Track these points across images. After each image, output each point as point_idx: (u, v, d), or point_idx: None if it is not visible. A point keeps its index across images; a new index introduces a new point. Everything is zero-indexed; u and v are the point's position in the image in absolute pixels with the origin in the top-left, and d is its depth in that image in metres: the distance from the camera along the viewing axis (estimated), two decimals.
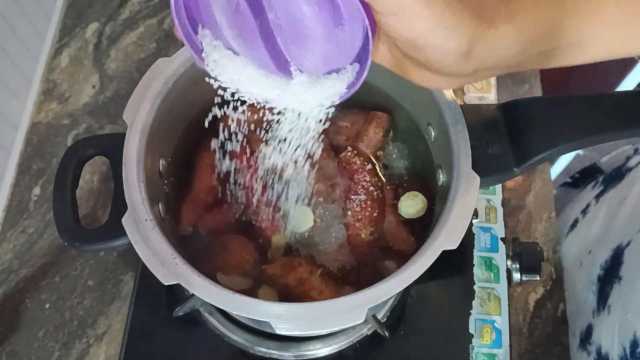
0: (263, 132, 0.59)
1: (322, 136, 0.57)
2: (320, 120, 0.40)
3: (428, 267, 0.43)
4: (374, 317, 0.55)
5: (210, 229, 0.53)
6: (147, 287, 0.63)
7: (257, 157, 0.55)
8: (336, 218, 0.53)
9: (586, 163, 0.80)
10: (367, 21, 0.31)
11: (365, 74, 0.34)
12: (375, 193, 0.53)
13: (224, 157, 0.52)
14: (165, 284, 0.42)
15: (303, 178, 0.55)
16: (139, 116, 0.48)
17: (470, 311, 0.61)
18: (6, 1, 0.73)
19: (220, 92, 0.40)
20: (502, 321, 0.61)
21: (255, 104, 0.39)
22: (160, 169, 0.51)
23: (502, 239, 0.64)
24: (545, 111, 0.53)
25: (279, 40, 0.35)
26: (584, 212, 0.68)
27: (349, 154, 0.54)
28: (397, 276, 0.43)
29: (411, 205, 0.53)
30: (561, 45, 0.35)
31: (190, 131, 0.55)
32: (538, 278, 0.61)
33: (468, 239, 0.64)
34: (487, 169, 0.50)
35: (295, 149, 0.45)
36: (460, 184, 0.46)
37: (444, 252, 0.44)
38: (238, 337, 0.59)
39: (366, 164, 0.54)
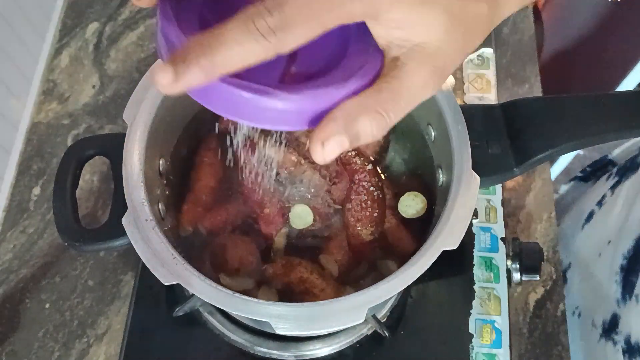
0: (263, 131, 0.59)
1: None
2: None
3: (428, 267, 0.43)
4: (374, 317, 0.55)
5: (210, 229, 0.53)
6: (147, 287, 0.63)
7: (257, 156, 0.55)
8: (335, 214, 0.54)
9: (586, 162, 0.80)
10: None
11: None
12: (375, 193, 0.53)
13: (224, 157, 0.52)
14: (165, 284, 0.42)
15: (303, 176, 0.55)
16: (139, 116, 0.48)
17: (470, 311, 0.61)
18: (6, 1, 0.73)
19: None
20: (502, 321, 0.61)
21: None
22: (160, 169, 0.51)
23: (502, 239, 0.64)
24: (546, 111, 0.53)
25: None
26: (600, 203, 0.68)
27: (349, 154, 0.54)
28: (397, 276, 0.43)
29: (411, 205, 0.53)
30: None
31: (190, 131, 0.55)
32: (538, 278, 0.61)
33: (468, 239, 0.64)
34: (487, 169, 0.50)
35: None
36: (460, 184, 0.46)
37: (444, 252, 0.44)
38: (238, 337, 0.59)
39: (366, 164, 0.54)
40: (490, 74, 0.76)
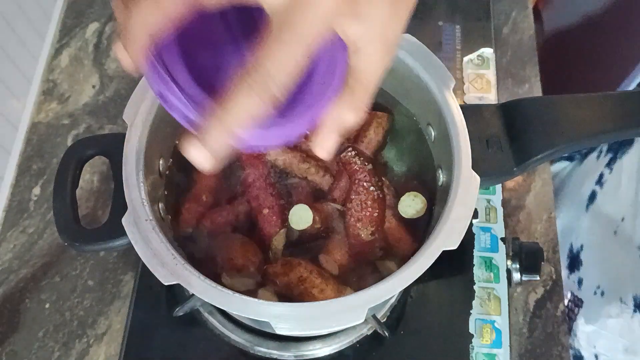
0: None
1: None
2: None
3: (428, 267, 0.43)
4: (374, 317, 0.55)
5: (210, 229, 0.52)
6: (147, 287, 0.63)
7: (257, 156, 0.55)
8: (335, 216, 0.53)
9: None
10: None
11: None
12: (375, 193, 0.53)
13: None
14: (165, 284, 0.42)
15: (303, 176, 0.55)
16: (139, 116, 0.48)
17: (470, 311, 0.61)
18: (6, 1, 0.73)
19: None
20: (502, 321, 0.61)
21: None
22: (160, 169, 0.51)
23: (502, 239, 0.64)
24: (545, 111, 0.53)
25: None
26: (600, 183, 0.68)
27: (349, 154, 0.54)
28: (397, 276, 0.43)
29: (411, 205, 0.53)
30: None
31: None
32: (538, 278, 0.61)
33: (468, 239, 0.64)
34: (487, 169, 0.50)
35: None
36: (460, 184, 0.46)
37: (444, 252, 0.44)
38: (238, 337, 0.59)
39: (366, 164, 0.54)
40: (490, 74, 0.76)
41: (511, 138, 0.52)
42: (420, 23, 0.79)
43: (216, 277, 0.45)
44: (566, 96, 0.54)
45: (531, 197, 0.70)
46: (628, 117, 0.51)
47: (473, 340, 0.60)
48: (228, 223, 0.53)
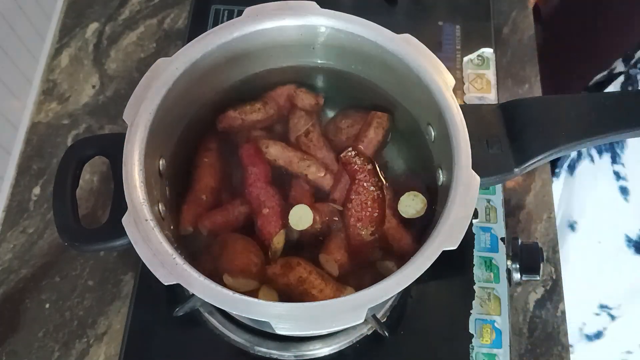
0: (264, 130, 0.59)
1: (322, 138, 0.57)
2: None
3: (428, 267, 0.43)
4: (374, 317, 0.55)
5: (210, 229, 0.52)
6: (147, 287, 0.63)
7: (257, 155, 0.55)
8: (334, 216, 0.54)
9: None
10: None
11: None
12: (375, 193, 0.53)
13: (225, 156, 0.52)
14: (165, 284, 0.42)
15: (303, 176, 0.55)
16: (139, 116, 0.48)
17: (470, 311, 0.61)
18: (6, 1, 0.73)
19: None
20: (502, 321, 0.61)
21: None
22: (160, 169, 0.51)
23: (502, 239, 0.64)
24: (545, 111, 0.53)
25: None
26: (621, 177, 0.69)
27: (349, 154, 0.54)
28: (397, 276, 0.43)
29: (411, 205, 0.53)
30: None
31: (190, 131, 0.55)
32: (538, 278, 0.61)
33: (468, 239, 0.64)
34: (487, 169, 0.50)
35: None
36: (460, 184, 0.46)
37: (444, 252, 0.44)
38: (238, 337, 0.59)
39: (366, 164, 0.54)
40: (490, 74, 0.76)
41: (511, 138, 0.52)
42: (420, 23, 0.79)
43: (216, 277, 0.45)
44: (566, 96, 0.54)
45: (531, 197, 0.70)
46: (628, 117, 0.51)
47: (473, 340, 0.60)
48: (228, 223, 0.53)
